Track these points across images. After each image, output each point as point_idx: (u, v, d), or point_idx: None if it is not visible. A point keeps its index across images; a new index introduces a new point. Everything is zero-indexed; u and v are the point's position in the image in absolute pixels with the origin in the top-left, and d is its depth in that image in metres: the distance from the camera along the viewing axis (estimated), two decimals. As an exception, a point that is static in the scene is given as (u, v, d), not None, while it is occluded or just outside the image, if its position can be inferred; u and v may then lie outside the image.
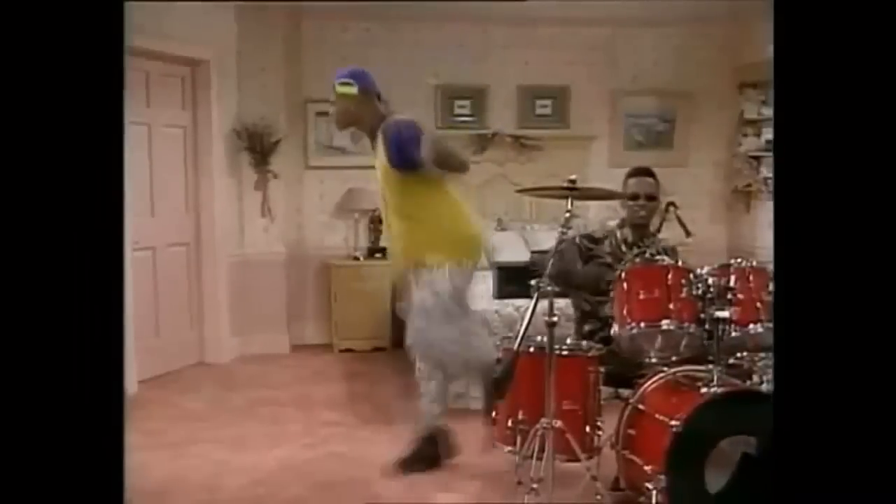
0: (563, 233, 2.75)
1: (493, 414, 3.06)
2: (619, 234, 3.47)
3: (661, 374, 2.89)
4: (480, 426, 3.27)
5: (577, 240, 3.46)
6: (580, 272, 3.40)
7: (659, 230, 3.52)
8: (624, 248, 3.42)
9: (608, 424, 2.96)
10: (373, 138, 3.42)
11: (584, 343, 3.10)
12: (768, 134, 5.93)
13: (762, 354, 2.86)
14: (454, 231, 3.35)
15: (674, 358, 2.92)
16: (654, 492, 2.59)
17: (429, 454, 3.53)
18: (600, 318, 3.37)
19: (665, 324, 2.81)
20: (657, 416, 2.71)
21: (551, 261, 2.78)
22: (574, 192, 2.80)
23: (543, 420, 2.72)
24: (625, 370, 3.12)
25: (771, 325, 2.75)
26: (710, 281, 2.80)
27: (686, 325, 2.81)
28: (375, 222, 6.12)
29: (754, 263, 2.88)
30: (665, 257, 3.12)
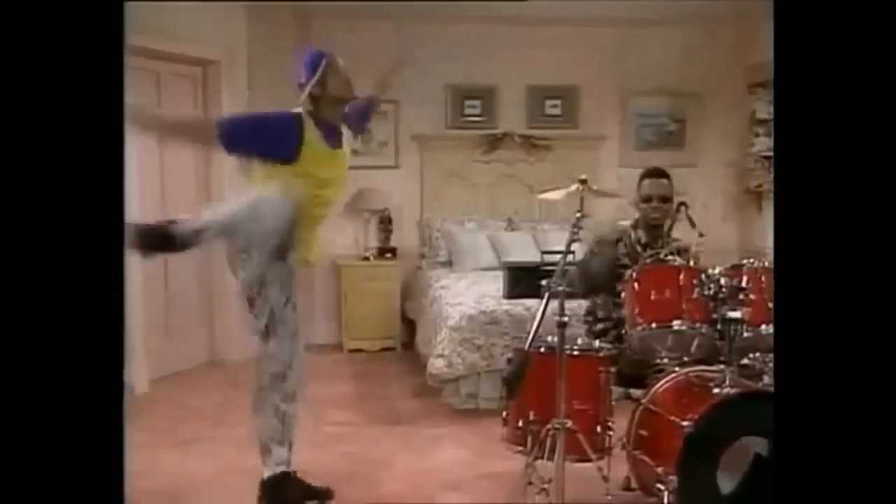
0: (574, 233, 2.74)
1: (504, 413, 3.05)
2: (633, 236, 3.46)
3: (673, 375, 2.88)
4: (491, 426, 3.26)
5: (595, 248, 3.47)
6: (601, 273, 3.40)
7: (671, 231, 3.51)
8: (639, 248, 3.42)
9: (619, 425, 2.95)
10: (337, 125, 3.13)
11: (596, 343, 3.09)
12: (780, 134, 5.89)
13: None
14: None
15: (685, 358, 2.91)
16: (666, 493, 2.57)
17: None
18: (611, 319, 3.37)
19: (677, 324, 2.81)
20: (669, 416, 2.69)
21: (573, 267, 2.77)
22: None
23: (554, 420, 2.71)
24: (636, 370, 3.11)
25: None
26: (722, 281, 2.79)
27: (698, 325, 2.80)
28: (385, 222, 6.13)
29: (766, 264, 2.86)
30: (677, 258, 3.11)
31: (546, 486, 2.72)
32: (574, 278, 3.24)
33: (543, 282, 2.75)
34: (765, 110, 6.05)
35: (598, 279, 3.41)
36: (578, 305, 3.58)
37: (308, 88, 2.99)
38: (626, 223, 3.58)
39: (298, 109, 3.04)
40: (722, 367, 2.74)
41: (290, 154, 2.94)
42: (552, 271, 2.77)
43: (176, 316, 5.26)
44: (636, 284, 2.92)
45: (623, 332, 3.00)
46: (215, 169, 5.44)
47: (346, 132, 3.18)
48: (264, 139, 2.97)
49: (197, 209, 5.31)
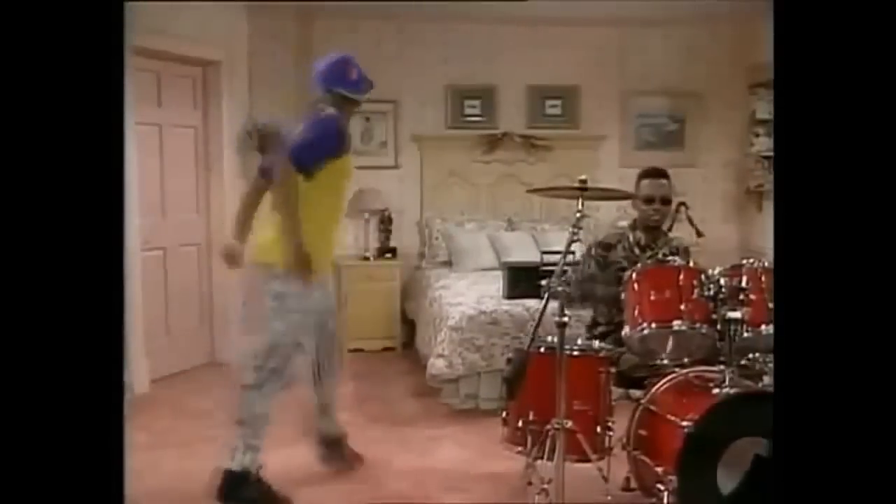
0: (574, 233, 2.73)
1: (504, 414, 3.05)
2: (631, 237, 3.45)
3: (673, 375, 2.88)
4: (491, 426, 3.26)
5: (592, 250, 3.45)
6: (600, 288, 3.38)
7: (670, 230, 3.51)
8: (637, 251, 3.40)
9: (619, 425, 2.95)
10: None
11: (596, 343, 3.09)
12: (781, 134, 5.89)
13: (774, 355, 2.84)
14: None
15: (685, 359, 2.90)
16: (666, 493, 2.57)
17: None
18: (612, 324, 3.36)
19: (677, 325, 2.80)
20: (669, 417, 2.69)
21: (570, 274, 2.76)
22: (585, 192, 2.79)
23: (554, 420, 2.71)
24: (636, 371, 3.10)
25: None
26: (722, 282, 2.78)
27: (698, 325, 2.79)
28: (385, 222, 6.13)
29: (766, 264, 2.86)
30: (676, 258, 3.11)
31: (546, 486, 2.72)
32: (575, 291, 3.21)
33: (543, 282, 2.75)
34: (765, 110, 6.05)
35: (600, 291, 3.39)
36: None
37: (362, 91, 3.27)
38: (625, 223, 3.57)
39: (332, 111, 3.24)
40: (722, 367, 2.73)
41: (342, 151, 3.20)
42: (552, 271, 2.77)
43: (176, 316, 5.26)
44: (636, 285, 2.92)
45: (623, 333, 2.99)
46: (215, 170, 5.45)
47: None
48: (327, 140, 3.20)
49: (196, 214, 5.35)
